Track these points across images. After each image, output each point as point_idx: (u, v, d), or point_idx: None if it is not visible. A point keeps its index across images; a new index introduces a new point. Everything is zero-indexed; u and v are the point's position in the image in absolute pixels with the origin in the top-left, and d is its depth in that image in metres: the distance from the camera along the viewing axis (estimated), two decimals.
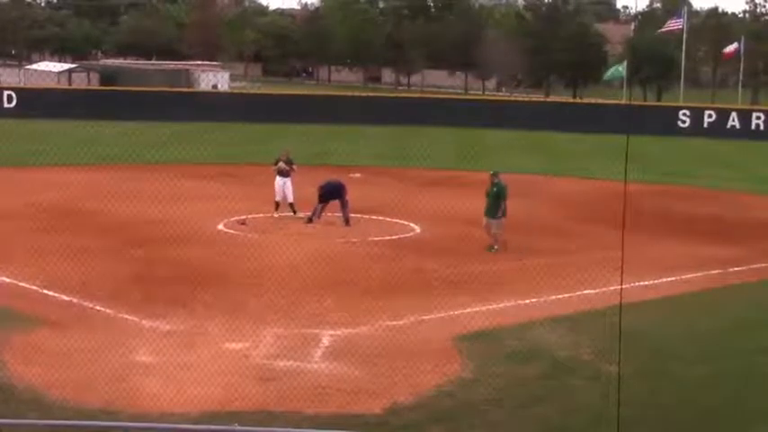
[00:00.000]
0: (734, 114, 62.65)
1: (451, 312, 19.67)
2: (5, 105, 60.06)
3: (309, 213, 28.61)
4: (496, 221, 25.65)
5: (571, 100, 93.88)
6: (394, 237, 27.38)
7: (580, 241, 27.46)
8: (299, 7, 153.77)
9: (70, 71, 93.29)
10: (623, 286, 13.11)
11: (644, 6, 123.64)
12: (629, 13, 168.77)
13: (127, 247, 24.89)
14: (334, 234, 27.32)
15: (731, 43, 78.60)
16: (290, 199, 29.50)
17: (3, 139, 42.09)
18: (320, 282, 21.61)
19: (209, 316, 19.08)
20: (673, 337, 18.86)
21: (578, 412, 14.81)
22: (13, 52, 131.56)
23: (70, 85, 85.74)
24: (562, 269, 23.30)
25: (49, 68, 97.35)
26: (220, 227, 27.93)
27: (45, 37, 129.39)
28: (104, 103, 61.48)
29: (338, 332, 18.38)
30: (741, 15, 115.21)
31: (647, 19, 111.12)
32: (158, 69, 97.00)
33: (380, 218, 29.64)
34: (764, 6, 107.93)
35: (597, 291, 20.91)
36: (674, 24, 73.20)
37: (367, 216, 29.45)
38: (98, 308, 19.57)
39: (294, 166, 29.85)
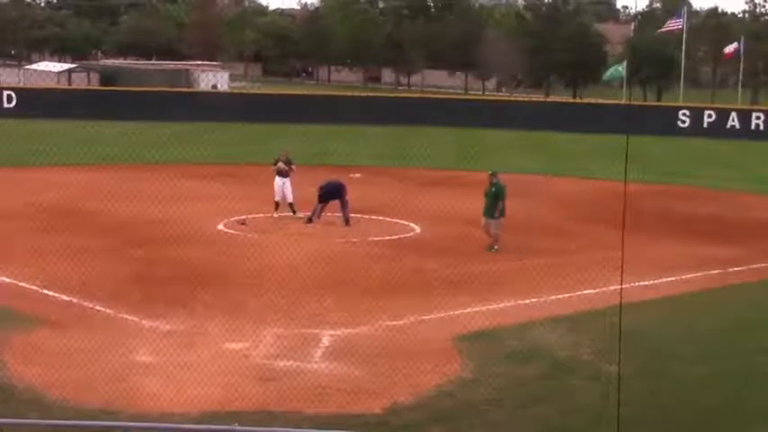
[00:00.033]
0: (734, 114, 62.64)
1: (451, 312, 19.67)
2: (5, 105, 60.06)
3: (309, 213, 28.61)
4: (495, 221, 25.66)
5: (571, 100, 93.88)
6: (394, 237, 27.38)
7: (580, 241, 27.46)
8: (298, 7, 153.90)
9: (70, 71, 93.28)
10: (623, 286, 13.12)
11: (644, 6, 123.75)
12: (629, 13, 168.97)
13: (127, 247, 24.89)
14: (334, 234, 27.33)
15: (731, 43, 78.57)
16: (290, 199, 29.50)
17: (3, 139, 42.11)
18: (320, 282, 21.61)
19: (209, 316, 19.09)
20: (673, 337, 18.86)
21: (578, 412, 14.82)
22: (13, 52, 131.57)
23: (70, 85, 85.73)
24: (562, 269, 23.30)
25: (49, 68, 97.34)
26: (220, 227, 27.93)
27: (45, 37, 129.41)
28: (104, 103, 61.48)
29: (338, 332, 18.38)
30: (741, 15, 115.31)
31: (647, 19, 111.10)
32: (158, 69, 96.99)
33: (380, 218, 29.64)
34: (764, 6, 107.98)
35: (597, 291, 20.91)
36: (673, 24, 73.19)
37: (367, 216, 29.45)
38: (98, 308, 19.57)
39: (293, 167, 29.85)
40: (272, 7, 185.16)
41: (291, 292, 20.54)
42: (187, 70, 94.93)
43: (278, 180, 29.56)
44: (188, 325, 18.55)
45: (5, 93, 61.74)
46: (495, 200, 25.66)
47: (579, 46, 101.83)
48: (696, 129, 61.07)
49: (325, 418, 14.23)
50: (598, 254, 24.05)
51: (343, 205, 28.48)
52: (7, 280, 21.48)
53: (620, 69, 70.09)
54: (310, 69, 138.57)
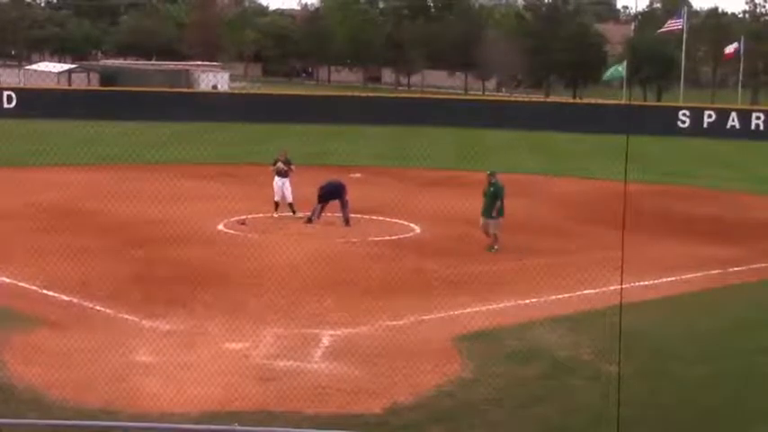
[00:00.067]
0: (734, 114, 62.64)
1: (451, 312, 19.67)
2: (5, 105, 60.06)
3: (309, 213, 28.61)
4: (494, 221, 25.66)
5: (571, 100, 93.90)
6: (394, 237, 27.38)
7: (580, 241, 27.46)
8: (299, 7, 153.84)
9: (70, 71, 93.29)
10: (623, 286, 13.11)
11: (644, 6, 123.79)
12: (629, 13, 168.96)
13: (127, 247, 24.89)
14: (334, 234, 27.32)
15: (731, 43, 78.55)
16: (290, 199, 29.50)
17: (3, 139, 42.13)
18: (320, 282, 21.61)
19: (209, 316, 19.08)
20: (673, 337, 18.86)
21: (578, 412, 14.82)
22: (13, 52, 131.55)
23: (70, 85, 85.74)
24: (562, 269, 23.30)
25: (49, 69, 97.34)
26: (220, 227, 27.93)
27: (45, 37, 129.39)
28: (104, 103, 61.48)
29: (338, 332, 18.38)
30: (741, 15, 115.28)
31: (647, 19, 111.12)
32: (158, 69, 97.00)
33: (380, 218, 29.64)
34: (764, 6, 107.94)
35: (597, 291, 20.92)
36: (673, 24, 73.18)
37: (367, 216, 29.45)
38: (98, 308, 19.57)
39: (292, 167, 29.84)
40: (272, 7, 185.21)
41: (291, 292, 20.54)
42: (187, 70, 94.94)
43: (277, 180, 29.56)
44: (188, 325, 18.55)
45: (5, 93, 61.74)
46: (493, 200, 25.67)
47: (579, 46, 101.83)
48: (696, 129, 61.06)
49: (325, 418, 14.22)
50: (598, 254, 24.05)
51: (343, 205, 28.47)
52: (7, 280, 21.48)
53: (620, 69, 70.09)
54: (310, 69, 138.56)
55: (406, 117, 60.86)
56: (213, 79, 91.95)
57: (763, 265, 25.34)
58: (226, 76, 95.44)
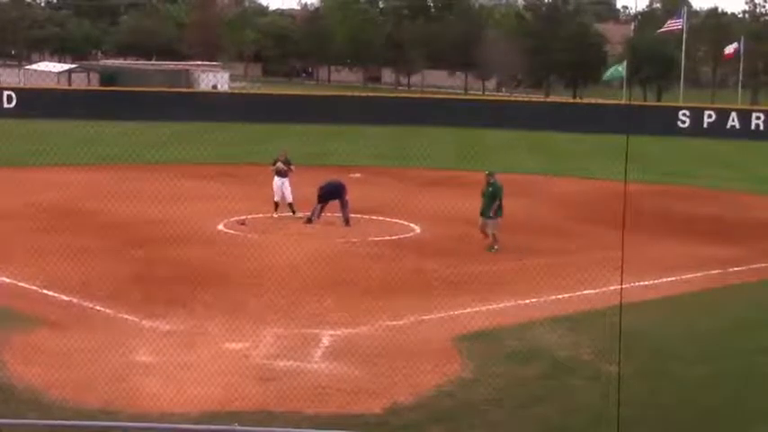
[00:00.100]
0: (734, 114, 62.65)
1: (451, 312, 19.66)
2: (5, 105, 60.06)
3: (309, 213, 28.61)
4: (492, 221, 25.66)
5: (571, 100, 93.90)
6: (394, 237, 27.37)
7: (580, 241, 27.46)
8: (298, 7, 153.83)
9: (70, 71, 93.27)
10: (623, 286, 13.11)
11: (644, 6, 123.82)
12: (629, 13, 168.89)
13: (127, 247, 24.89)
14: (334, 234, 27.32)
15: (731, 43, 78.56)
16: (289, 199, 29.50)
17: (3, 139, 42.12)
18: (320, 282, 21.61)
19: (209, 316, 19.08)
20: (673, 337, 18.86)
21: (578, 412, 14.81)
22: (13, 52, 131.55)
23: (70, 85, 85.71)
24: (562, 269, 23.30)
25: (49, 69, 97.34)
26: (220, 227, 27.93)
27: (45, 37, 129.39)
28: (104, 103, 61.47)
29: (338, 332, 18.38)
30: (741, 15, 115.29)
31: (647, 19, 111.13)
32: (158, 69, 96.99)
33: (380, 218, 29.64)
34: (764, 6, 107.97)
35: (597, 291, 20.92)
36: (673, 24, 73.17)
37: (367, 216, 29.45)
38: (98, 308, 19.57)
39: (292, 167, 29.84)
40: (272, 7, 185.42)
41: (291, 292, 20.53)
42: (187, 70, 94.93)
43: (277, 180, 29.56)
44: (188, 325, 18.55)
45: (5, 93, 61.75)
46: (491, 200, 25.67)
47: (579, 46, 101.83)
48: (696, 129, 61.07)
49: (325, 418, 14.22)
50: (598, 254, 24.05)
51: (343, 205, 28.47)
52: (7, 280, 21.48)
53: (620, 69, 70.10)
54: (310, 69, 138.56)
55: (406, 117, 60.87)
56: (213, 79, 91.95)
57: (763, 265, 25.34)
58: (226, 76, 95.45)
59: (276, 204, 29.59)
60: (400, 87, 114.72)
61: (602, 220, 28.66)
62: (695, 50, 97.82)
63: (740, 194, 38.44)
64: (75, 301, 19.98)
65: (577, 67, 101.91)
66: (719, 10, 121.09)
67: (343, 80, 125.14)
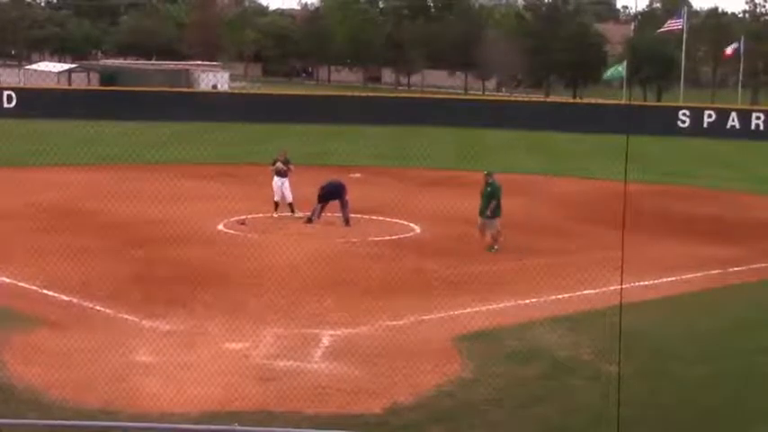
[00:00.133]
0: (734, 114, 62.64)
1: (451, 312, 19.66)
2: (5, 105, 60.06)
3: (309, 213, 28.61)
4: (491, 221, 25.66)
5: (571, 100, 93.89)
6: (394, 237, 27.38)
7: (580, 241, 27.46)
8: (299, 7, 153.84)
9: (70, 71, 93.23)
10: (623, 286, 13.11)
11: (644, 6, 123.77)
12: (629, 13, 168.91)
13: (127, 247, 24.89)
14: (334, 234, 27.32)
15: (731, 43, 78.58)
16: (289, 199, 29.50)
17: (3, 139, 42.10)
18: (320, 282, 21.61)
19: (209, 316, 19.08)
20: (673, 337, 18.85)
21: (578, 412, 14.81)
22: (13, 52, 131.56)
23: (70, 85, 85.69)
24: (562, 269, 23.30)
25: (49, 68, 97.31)
26: (220, 227, 27.93)
27: (45, 37, 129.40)
28: (104, 103, 61.45)
29: (338, 332, 18.38)
30: (741, 15, 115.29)
31: (647, 19, 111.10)
32: (158, 69, 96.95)
33: (380, 218, 29.64)
34: (764, 6, 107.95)
35: (597, 291, 20.92)
36: (673, 24, 73.16)
37: (367, 216, 29.45)
38: (98, 308, 19.57)
39: (291, 167, 29.83)
40: (272, 7, 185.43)
41: (291, 292, 20.53)
42: (187, 70, 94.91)
43: (276, 180, 29.56)
44: (188, 325, 18.55)
45: (5, 93, 61.75)
46: (490, 200, 25.67)
47: (579, 46, 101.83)
48: (696, 129, 61.06)
49: (325, 418, 14.22)
50: (598, 254, 24.05)
51: (343, 205, 28.47)
52: (7, 280, 21.48)
53: (621, 69, 70.14)
54: (310, 69, 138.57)
55: (406, 117, 60.86)
56: (213, 79, 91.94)
57: (763, 265, 25.34)
58: (226, 76, 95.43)
59: (276, 204, 29.59)
60: (400, 87, 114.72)
61: (602, 220, 28.66)
62: (695, 50, 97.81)
63: (740, 194, 38.44)
64: (75, 301, 19.98)
65: (577, 67, 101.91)
66: (719, 10, 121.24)
67: (343, 80, 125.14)
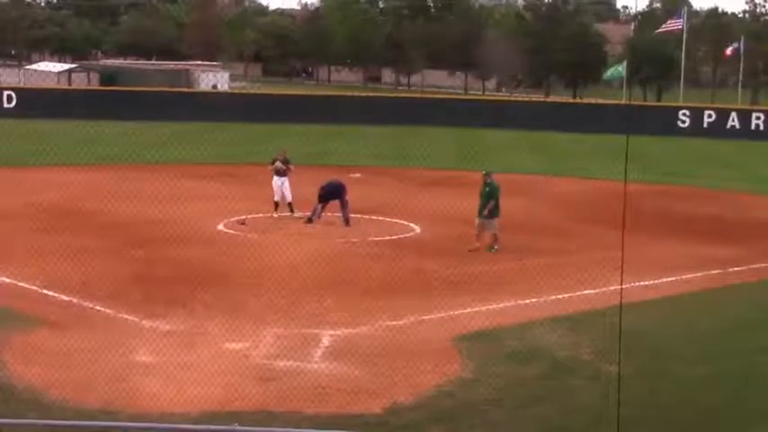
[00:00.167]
0: (734, 114, 62.64)
1: (451, 312, 19.66)
2: (5, 105, 60.06)
3: (309, 213, 28.61)
4: (489, 222, 25.65)
5: (571, 100, 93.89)
6: (394, 237, 27.38)
7: (580, 241, 27.45)
8: (299, 7, 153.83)
9: (70, 71, 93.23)
10: (623, 286, 13.11)
11: (644, 6, 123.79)
12: (629, 13, 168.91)
13: (127, 247, 24.89)
14: (334, 234, 27.32)
15: (731, 43, 78.56)
16: (289, 199, 29.51)
17: (3, 139, 42.11)
18: (320, 282, 21.61)
19: (209, 316, 19.08)
20: (673, 337, 18.86)
21: (578, 412, 14.81)
22: (13, 52, 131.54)
23: (70, 85, 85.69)
24: (562, 269, 23.30)
25: (49, 69, 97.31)
26: (220, 227, 27.93)
27: (45, 37, 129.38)
28: (104, 103, 61.45)
29: (338, 332, 18.38)
30: (741, 15, 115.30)
31: (646, 19, 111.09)
32: (158, 69, 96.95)
33: (380, 218, 29.64)
34: (764, 6, 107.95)
35: (597, 291, 20.92)
36: (673, 24, 73.14)
37: (367, 216, 29.45)
38: (98, 308, 19.57)
39: (291, 166, 29.83)
40: (272, 7, 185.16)
41: (291, 292, 20.53)
42: (187, 70, 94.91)
43: (276, 180, 29.57)
44: (188, 325, 18.55)
45: (5, 93, 61.75)
46: (488, 200, 25.67)
47: (579, 46, 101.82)
48: (696, 129, 61.06)
49: (325, 418, 14.22)
50: (598, 254, 24.05)
51: (343, 205, 28.47)
52: (7, 280, 21.48)
53: (621, 69, 70.12)
54: (310, 69, 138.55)
55: (406, 117, 60.86)
56: (213, 79, 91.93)
57: (763, 265, 25.34)
58: (226, 76, 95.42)
59: (276, 204, 29.59)
60: (400, 87, 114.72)
61: (602, 220, 28.66)
62: (695, 50, 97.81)
63: (740, 194, 38.44)
64: (75, 301, 19.98)
65: (577, 67, 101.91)
66: (719, 10, 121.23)
67: (343, 80, 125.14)
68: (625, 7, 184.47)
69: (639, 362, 16.42)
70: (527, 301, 20.85)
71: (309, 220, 28.43)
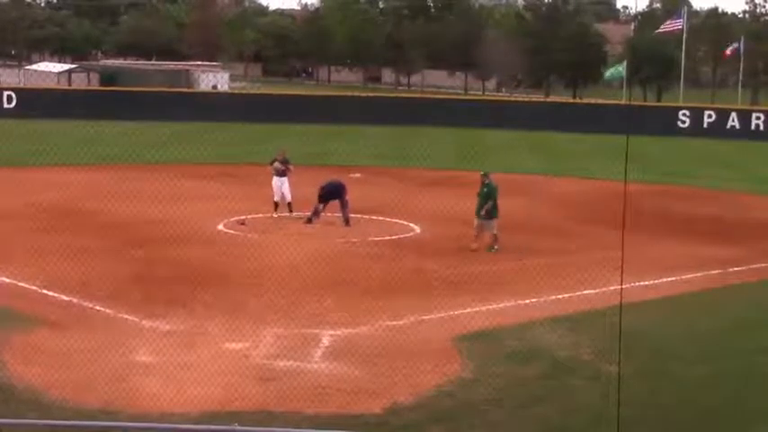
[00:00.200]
0: (734, 114, 62.64)
1: (451, 312, 19.66)
2: (5, 105, 60.05)
3: (309, 213, 28.61)
4: (488, 222, 25.65)
5: (571, 100, 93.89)
6: (394, 237, 27.37)
7: (580, 241, 27.45)
8: (299, 7, 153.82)
9: (70, 71, 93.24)
10: (623, 286, 13.11)
11: (644, 6, 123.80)
12: (629, 13, 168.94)
13: (127, 247, 24.89)
14: (334, 234, 27.32)
15: (731, 43, 78.56)
16: (289, 198, 29.51)
17: (3, 139, 42.10)
18: (320, 282, 21.61)
19: (209, 316, 19.08)
20: (673, 337, 18.86)
21: (578, 412, 14.81)
22: (13, 52, 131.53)
23: (70, 85, 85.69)
24: (562, 269, 23.30)
25: (49, 69, 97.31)
26: (220, 227, 27.93)
27: (45, 37, 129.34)
28: (104, 103, 61.47)
29: (338, 332, 18.38)
30: (741, 15, 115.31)
31: (646, 19, 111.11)
32: (158, 69, 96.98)
33: (380, 218, 29.64)
34: (764, 6, 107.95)
35: (597, 291, 20.92)
36: (673, 24, 73.14)
37: (367, 216, 29.45)
38: (98, 308, 19.57)
39: (290, 166, 29.83)
40: (272, 7, 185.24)
41: (291, 292, 20.53)
42: (187, 70, 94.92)
43: (276, 180, 29.57)
44: (188, 325, 18.55)
45: (5, 93, 61.74)
46: (486, 200, 25.66)
47: (579, 46, 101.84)
48: (696, 129, 61.06)
49: (325, 418, 14.22)
50: (598, 254, 24.05)
51: (343, 205, 28.47)
52: (7, 280, 21.48)
53: (621, 69, 70.14)
54: (310, 69, 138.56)
55: (406, 117, 60.85)
56: (213, 79, 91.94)
57: (763, 265, 25.34)
58: (226, 76, 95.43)
59: (276, 204, 29.59)
60: (400, 87, 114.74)
61: (602, 220, 28.66)
62: (695, 50, 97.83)
63: (740, 194, 38.44)
64: (75, 301, 19.98)
65: (577, 67, 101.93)
66: (719, 10, 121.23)
67: (343, 80, 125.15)
68: (625, 7, 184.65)
69: (639, 362, 16.42)
70: (527, 301, 20.85)
71: (309, 221, 28.43)
